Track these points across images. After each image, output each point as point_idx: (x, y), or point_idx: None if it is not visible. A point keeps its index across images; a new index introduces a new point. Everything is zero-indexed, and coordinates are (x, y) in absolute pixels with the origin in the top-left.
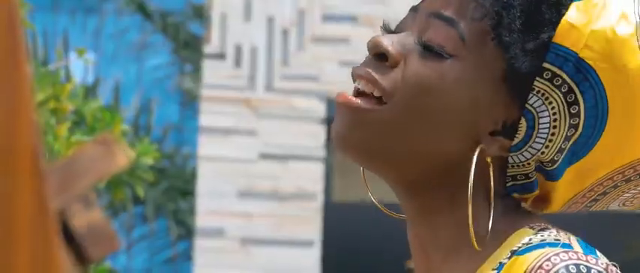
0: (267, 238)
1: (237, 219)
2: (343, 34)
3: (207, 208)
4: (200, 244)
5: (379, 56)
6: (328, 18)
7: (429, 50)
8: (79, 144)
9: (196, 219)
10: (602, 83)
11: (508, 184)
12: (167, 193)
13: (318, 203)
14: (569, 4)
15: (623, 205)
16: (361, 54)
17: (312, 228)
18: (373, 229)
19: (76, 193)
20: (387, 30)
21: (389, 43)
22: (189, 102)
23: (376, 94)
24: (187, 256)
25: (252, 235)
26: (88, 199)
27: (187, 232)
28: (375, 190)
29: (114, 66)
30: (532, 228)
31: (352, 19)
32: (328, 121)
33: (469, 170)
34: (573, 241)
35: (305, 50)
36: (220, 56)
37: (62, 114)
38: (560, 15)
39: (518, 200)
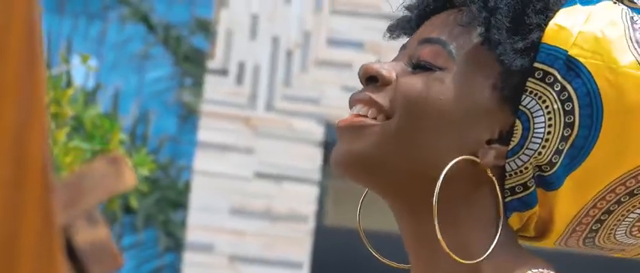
0: (256, 257)
1: (227, 236)
2: (347, 60)
3: (198, 223)
4: (189, 257)
5: (371, 79)
6: (333, 42)
7: (418, 67)
8: (77, 150)
9: (187, 233)
10: (594, 80)
11: (507, 199)
12: (158, 204)
13: (309, 226)
14: (557, 11)
15: (631, 233)
16: None
17: (301, 250)
18: (363, 256)
19: (81, 210)
20: None
21: (379, 65)
22: (188, 115)
23: (371, 115)
24: (174, 269)
25: (242, 253)
26: (93, 216)
27: (176, 245)
28: (372, 220)
29: (114, 74)
30: None
31: (357, 45)
32: (326, 145)
33: (469, 186)
34: None
35: (308, 72)
36: (223, 72)
37: (62, 119)
38: (548, 19)
39: (515, 233)
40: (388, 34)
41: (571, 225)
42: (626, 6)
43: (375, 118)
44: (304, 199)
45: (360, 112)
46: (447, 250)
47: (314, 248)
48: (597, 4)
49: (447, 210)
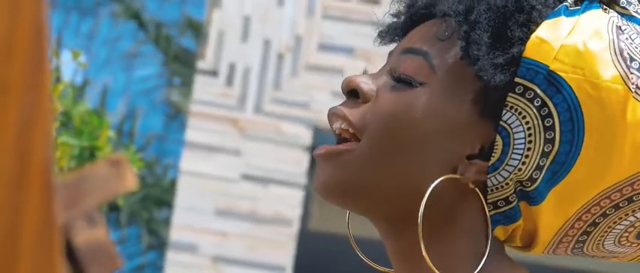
0: (239, 259)
1: (211, 236)
2: (338, 65)
3: (183, 222)
4: (172, 257)
5: (353, 94)
6: (325, 47)
7: (399, 82)
8: (65, 145)
9: (171, 232)
10: (575, 96)
11: (490, 213)
12: (142, 202)
13: (293, 229)
14: (540, 23)
15: (619, 242)
16: None
17: (285, 253)
18: (346, 262)
19: (81, 211)
20: None
21: (360, 79)
22: (175, 115)
23: (351, 130)
24: (156, 267)
25: (225, 254)
26: (93, 217)
27: (158, 243)
28: (356, 226)
29: (104, 71)
30: None
31: (348, 51)
32: (313, 150)
33: (452, 201)
34: None
35: (298, 77)
36: (213, 73)
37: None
38: (530, 32)
39: (502, 244)
40: (379, 40)
41: (557, 236)
42: (617, 12)
43: (354, 135)
44: (289, 202)
45: (341, 127)
46: (435, 270)
47: (297, 252)
48: (584, 13)
49: (430, 226)
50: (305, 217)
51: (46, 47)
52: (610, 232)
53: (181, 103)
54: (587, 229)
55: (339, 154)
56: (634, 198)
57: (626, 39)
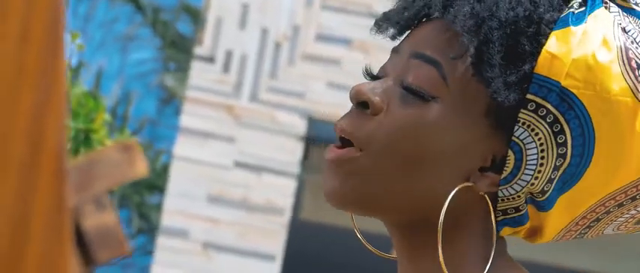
0: (229, 246)
1: (203, 223)
2: (335, 56)
3: (175, 208)
4: (162, 242)
5: (362, 104)
6: (322, 38)
7: (410, 93)
8: None
9: (163, 217)
10: (587, 111)
11: (499, 219)
12: (133, 186)
13: (285, 219)
14: (549, 34)
15: (617, 229)
16: (350, 77)
17: (275, 242)
18: (336, 252)
19: (91, 195)
20: (369, 75)
21: (370, 91)
22: (169, 100)
23: (358, 145)
24: (145, 251)
25: (215, 241)
26: (102, 201)
27: (148, 228)
28: (360, 221)
29: (99, 53)
30: None
31: (346, 42)
32: (307, 140)
33: (461, 208)
34: None
35: (295, 66)
36: (210, 59)
37: None
38: (541, 45)
39: (505, 246)
40: (375, 29)
41: (560, 233)
42: (617, 5)
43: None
44: (282, 191)
45: (346, 137)
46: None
47: (288, 241)
48: (589, 18)
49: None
50: (297, 207)
51: (62, 32)
52: (611, 223)
53: (176, 88)
54: (590, 225)
55: (345, 162)
56: (637, 196)
57: (632, 43)
